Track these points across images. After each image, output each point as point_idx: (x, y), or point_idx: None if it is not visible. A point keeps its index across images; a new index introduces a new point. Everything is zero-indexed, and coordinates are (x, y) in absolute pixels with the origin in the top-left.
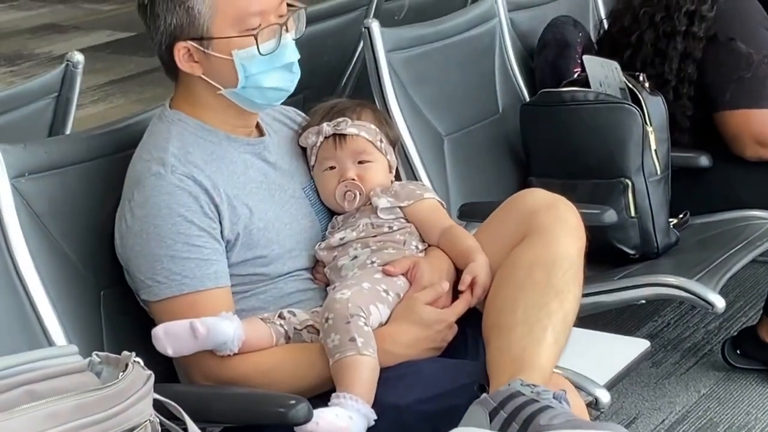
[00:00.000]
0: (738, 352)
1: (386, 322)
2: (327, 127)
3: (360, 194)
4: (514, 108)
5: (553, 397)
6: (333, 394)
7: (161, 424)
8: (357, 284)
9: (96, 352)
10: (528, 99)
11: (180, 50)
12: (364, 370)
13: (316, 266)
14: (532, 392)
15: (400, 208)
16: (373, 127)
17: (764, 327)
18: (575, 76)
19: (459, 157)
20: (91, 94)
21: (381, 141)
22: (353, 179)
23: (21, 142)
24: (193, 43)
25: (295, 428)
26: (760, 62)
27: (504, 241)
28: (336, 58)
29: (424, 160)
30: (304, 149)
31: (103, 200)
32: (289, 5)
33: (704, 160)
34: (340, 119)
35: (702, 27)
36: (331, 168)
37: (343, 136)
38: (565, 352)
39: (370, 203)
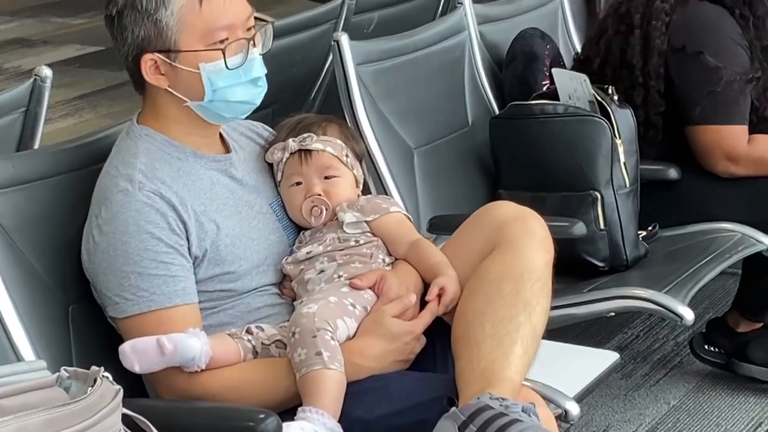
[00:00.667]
0: (706, 346)
1: (354, 336)
2: (292, 143)
3: (326, 209)
4: (484, 121)
5: (522, 410)
6: (299, 408)
7: None
8: (324, 298)
9: (64, 367)
10: (497, 112)
11: (147, 62)
12: (330, 384)
13: (283, 281)
14: (501, 405)
15: (366, 222)
16: (339, 142)
17: (734, 316)
18: (545, 89)
19: (429, 170)
20: (60, 109)
21: (347, 156)
22: (319, 194)
23: None
24: (160, 56)
25: None
26: (732, 78)
27: (472, 253)
28: (305, 71)
29: (393, 173)
30: (270, 165)
31: (71, 215)
32: (257, 19)
33: (673, 173)
34: (305, 135)
35: (662, 39)
36: (298, 184)
37: (308, 151)
38: (534, 364)
39: (337, 218)
